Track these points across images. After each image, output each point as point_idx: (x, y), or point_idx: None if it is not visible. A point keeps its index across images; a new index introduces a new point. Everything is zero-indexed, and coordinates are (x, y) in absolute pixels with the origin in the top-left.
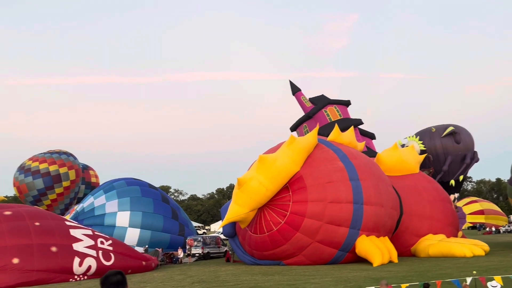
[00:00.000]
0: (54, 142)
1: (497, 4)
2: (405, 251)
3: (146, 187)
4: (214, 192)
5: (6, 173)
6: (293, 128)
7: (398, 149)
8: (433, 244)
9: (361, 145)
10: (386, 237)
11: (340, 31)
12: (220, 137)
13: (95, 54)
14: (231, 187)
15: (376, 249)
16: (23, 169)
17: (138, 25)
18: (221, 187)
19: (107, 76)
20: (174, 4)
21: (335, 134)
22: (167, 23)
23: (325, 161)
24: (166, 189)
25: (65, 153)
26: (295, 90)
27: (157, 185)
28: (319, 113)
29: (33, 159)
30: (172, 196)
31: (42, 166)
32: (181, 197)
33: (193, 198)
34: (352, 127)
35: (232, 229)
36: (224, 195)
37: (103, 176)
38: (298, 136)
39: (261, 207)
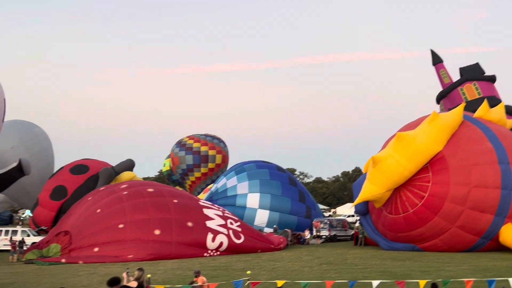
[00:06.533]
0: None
1: None
2: None
3: (275, 170)
4: (340, 175)
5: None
6: (437, 101)
7: None
8: None
9: (510, 123)
10: None
11: (479, 2)
12: (347, 119)
13: (232, 43)
14: (356, 171)
15: None
16: (179, 144)
17: (267, 12)
18: (347, 170)
19: (239, 63)
20: None
21: (483, 110)
22: (298, 7)
23: (471, 141)
24: (291, 171)
25: (218, 138)
26: (436, 60)
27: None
28: (454, 92)
29: (190, 137)
30: (298, 179)
31: (196, 145)
32: (306, 180)
33: (318, 181)
34: (503, 103)
35: (364, 207)
36: (350, 178)
37: (233, 158)
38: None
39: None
